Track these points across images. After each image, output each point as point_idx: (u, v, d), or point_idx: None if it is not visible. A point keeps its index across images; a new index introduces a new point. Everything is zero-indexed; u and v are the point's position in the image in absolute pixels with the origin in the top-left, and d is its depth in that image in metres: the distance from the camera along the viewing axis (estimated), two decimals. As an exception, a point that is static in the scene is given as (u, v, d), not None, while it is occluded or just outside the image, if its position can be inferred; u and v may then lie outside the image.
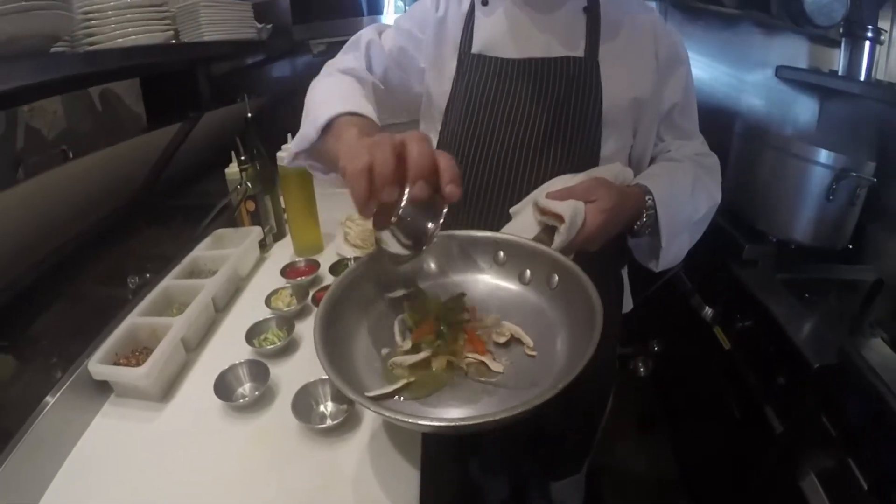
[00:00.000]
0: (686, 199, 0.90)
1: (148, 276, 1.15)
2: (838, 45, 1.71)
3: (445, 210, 0.61)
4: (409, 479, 0.71)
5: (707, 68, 1.85)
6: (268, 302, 1.10)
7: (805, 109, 1.84)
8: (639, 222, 0.85)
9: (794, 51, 1.80)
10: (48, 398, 0.78)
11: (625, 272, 1.14)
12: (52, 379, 0.83)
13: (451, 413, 0.62)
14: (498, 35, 0.94)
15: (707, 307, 1.54)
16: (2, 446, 0.69)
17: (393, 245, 0.61)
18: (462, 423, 0.58)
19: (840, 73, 1.71)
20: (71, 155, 1.03)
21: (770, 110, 1.85)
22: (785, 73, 1.80)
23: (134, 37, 1.12)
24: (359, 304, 0.75)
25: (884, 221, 1.47)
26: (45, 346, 0.95)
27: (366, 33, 1.00)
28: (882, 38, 1.59)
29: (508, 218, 0.85)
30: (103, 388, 0.89)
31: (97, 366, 0.85)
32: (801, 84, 1.82)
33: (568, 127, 0.90)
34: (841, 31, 1.63)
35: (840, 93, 1.72)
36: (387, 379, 0.66)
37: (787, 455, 1.18)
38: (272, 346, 0.97)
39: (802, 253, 1.45)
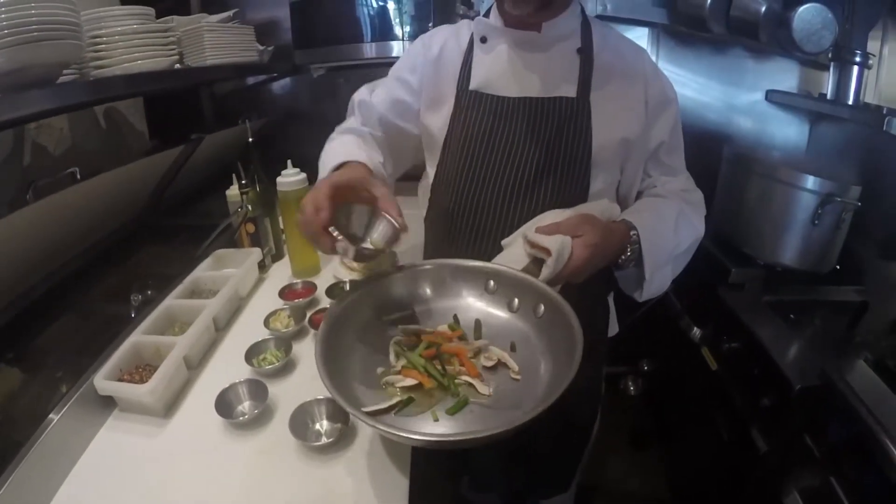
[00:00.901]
0: (669, 233, 0.95)
1: (150, 293, 1.21)
2: (828, 68, 1.78)
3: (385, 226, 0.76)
4: (400, 494, 0.76)
5: (698, 92, 1.92)
6: (266, 323, 1.15)
7: (795, 133, 1.91)
8: (623, 256, 0.91)
9: (784, 74, 1.86)
10: (55, 411, 0.84)
11: (611, 298, 1.19)
12: (59, 392, 0.88)
13: (439, 429, 0.68)
14: (495, 73, 1.00)
15: (696, 328, 1.59)
16: (10, 457, 0.74)
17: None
18: (446, 438, 0.65)
19: (829, 97, 1.77)
20: (79, 177, 1.09)
21: (760, 134, 1.91)
22: (775, 98, 1.87)
23: (140, 62, 1.18)
24: (357, 325, 0.81)
25: (870, 243, 1.52)
26: (52, 360, 1.00)
27: (358, 94, 1.11)
28: (870, 62, 1.65)
29: (501, 248, 0.91)
30: (108, 403, 0.94)
31: (103, 381, 0.90)
32: (791, 107, 1.89)
33: (559, 164, 0.96)
34: (830, 55, 1.69)
35: (829, 116, 1.78)
36: (381, 396, 0.71)
37: (771, 474, 1.22)
38: (270, 367, 1.02)
39: (789, 276, 1.50)
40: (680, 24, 1.77)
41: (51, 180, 1.03)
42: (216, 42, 1.43)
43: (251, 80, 2.05)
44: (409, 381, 0.73)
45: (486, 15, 1.03)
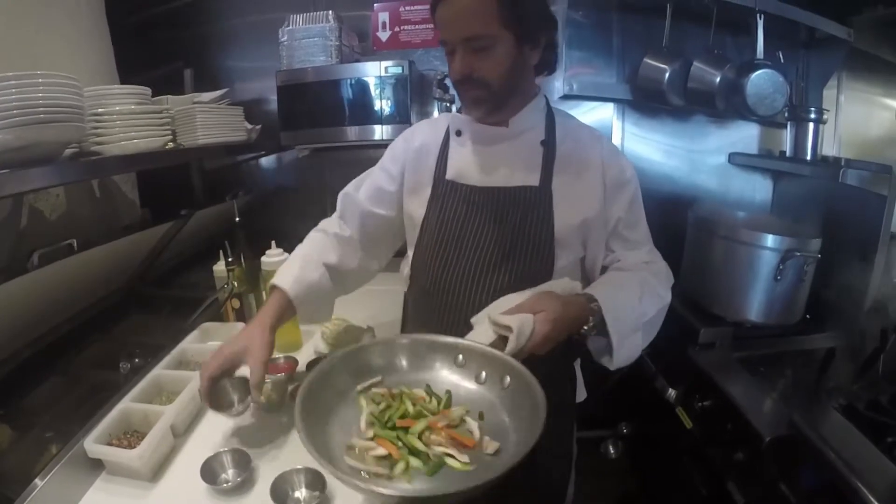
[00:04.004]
0: (633, 302, 1.05)
1: (138, 361, 1.31)
2: (785, 126, 1.95)
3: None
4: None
5: (664, 158, 2.09)
6: None
7: (760, 191, 2.08)
8: (586, 326, 1.00)
9: (745, 136, 2.06)
10: (45, 471, 0.92)
11: (577, 366, 1.30)
12: (48, 453, 0.98)
13: (413, 487, 0.76)
14: (467, 164, 1.15)
15: (670, 389, 1.66)
16: None
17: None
18: (421, 495, 0.74)
19: (788, 154, 1.93)
20: (76, 247, 1.21)
21: (726, 195, 2.08)
22: (737, 160, 2.05)
23: (136, 140, 1.30)
24: (335, 391, 0.92)
25: (835, 291, 1.64)
26: (41, 421, 1.09)
27: (348, 187, 1.28)
28: (825, 116, 1.82)
29: (471, 325, 1.01)
30: (96, 466, 1.02)
31: (93, 445, 0.99)
32: (753, 168, 2.06)
33: (524, 247, 1.09)
34: (786, 115, 1.87)
35: (790, 174, 1.94)
36: (356, 459, 0.79)
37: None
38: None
39: (758, 331, 1.61)
40: (643, 99, 1.96)
41: (50, 249, 1.15)
42: (207, 122, 1.59)
43: (240, 157, 2.22)
44: (381, 451, 0.80)
45: (461, 111, 1.19)
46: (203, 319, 1.51)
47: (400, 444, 0.81)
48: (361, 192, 1.25)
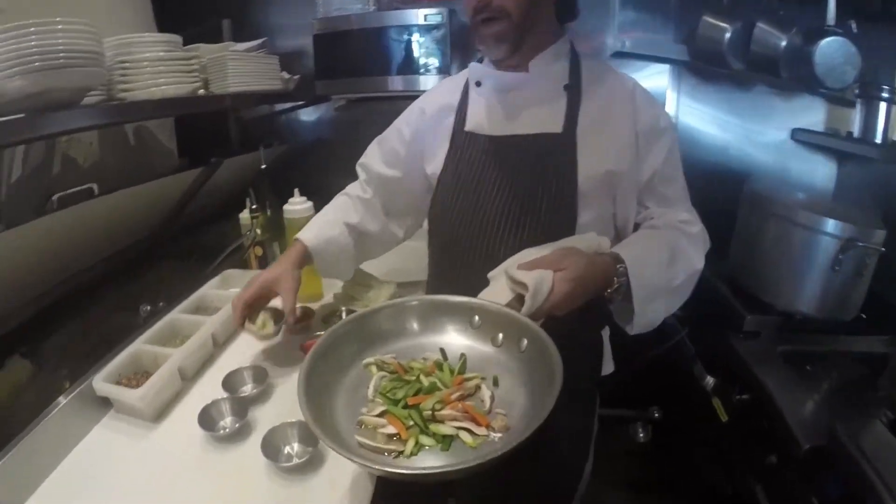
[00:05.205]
0: (661, 265, 0.99)
1: (160, 305, 1.35)
2: (854, 105, 1.75)
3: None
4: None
5: (720, 130, 1.94)
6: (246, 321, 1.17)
7: (822, 173, 1.90)
8: (610, 289, 0.95)
9: (810, 112, 1.87)
10: (54, 405, 0.97)
11: (605, 334, 1.23)
12: (61, 388, 1.02)
13: (415, 463, 0.73)
14: (487, 114, 1.11)
15: (708, 377, 1.58)
16: (6, 441, 0.87)
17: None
18: (419, 471, 0.70)
19: (856, 135, 1.75)
20: (96, 192, 1.24)
21: (784, 174, 1.91)
22: (800, 136, 1.87)
23: (165, 87, 1.32)
24: (342, 360, 0.89)
25: (896, 290, 1.49)
26: (59, 359, 1.15)
27: (364, 155, 1.31)
28: None
29: (487, 282, 0.97)
30: (105, 404, 1.06)
31: (101, 383, 1.03)
32: (817, 147, 1.88)
33: (544, 198, 1.04)
34: (856, 91, 1.69)
35: (856, 156, 1.77)
36: (366, 435, 0.76)
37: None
38: (250, 392, 1.11)
39: (808, 324, 1.48)
40: (700, 61, 1.81)
41: (69, 192, 1.19)
42: (239, 70, 1.58)
43: (278, 108, 2.23)
44: (391, 429, 0.77)
45: (481, 60, 1.15)
46: (226, 267, 1.54)
47: (411, 422, 0.78)
48: (377, 157, 1.27)
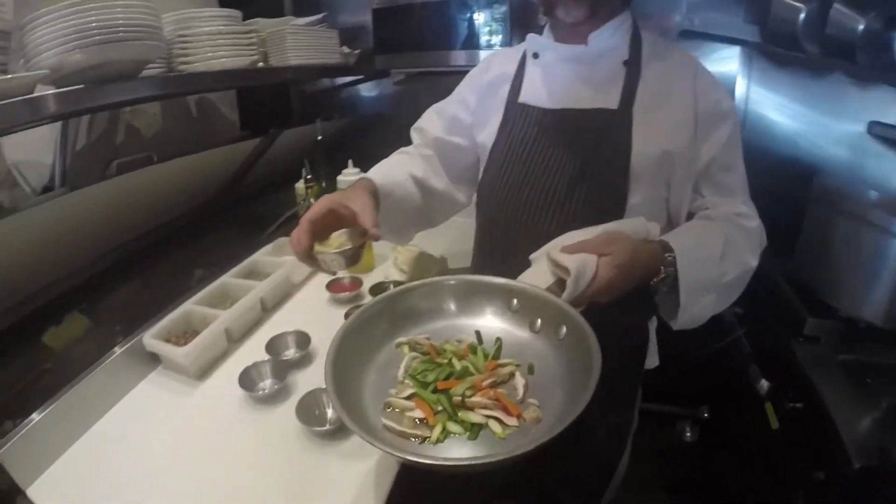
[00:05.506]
0: (713, 259, 0.94)
1: (213, 270, 1.41)
2: None
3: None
4: (382, 484, 0.85)
5: (791, 120, 1.81)
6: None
7: (901, 171, 1.74)
8: (656, 278, 0.90)
9: (889, 104, 1.69)
10: (105, 357, 1.04)
11: (652, 326, 1.19)
12: (114, 343, 1.09)
13: (440, 452, 0.71)
14: (542, 86, 1.09)
15: (763, 380, 1.50)
16: (59, 388, 0.95)
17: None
18: (425, 461, 0.65)
19: None
20: (155, 159, 1.30)
21: (858, 170, 1.75)
22: (878, 130, 1.70)
23: (224, 59, 1.37)
24: (375, 338, 0.87)
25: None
26: (115, 315, 1.23)
27: (420, 120, 1.26)
28: None
29: (529, 263, 0.94)
30: (153, 359, 1.13)
31: (150, 339, 1.10)
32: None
33: (594, 175, 1.00)
34: None
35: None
36: (392, 418, 0.75)
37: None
38: (292, 356, 1.15)
39: (874, 333, 1.38)
40: (773, 43, 1.69)
41: (127, 160, 1.25)
42: (298, 43, 1.61)
43: (339, 83, 2.26)
44: (419, 414, 0.75)
45: (540, 32, 1.12)
46: (280, 234, 1.58)
47: (440, 407, 0.76)
48: (437, 123, 1.22)
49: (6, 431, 0.87)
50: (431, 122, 1.23)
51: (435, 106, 1.26)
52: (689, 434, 1.96)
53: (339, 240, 0.92)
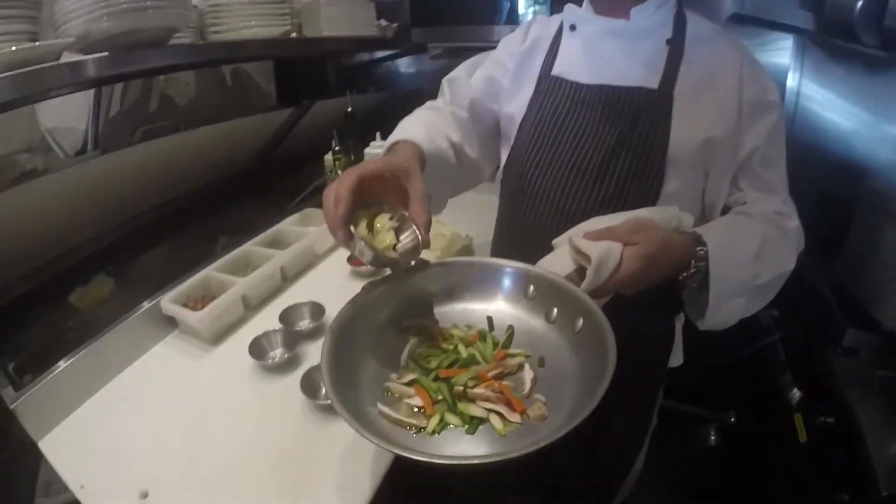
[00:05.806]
0: (748, 258, 0.88)
1: (238, 238, 1.42)
2: None
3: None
4: (379, 470, 0.84)
5: (843, 118, 1.69)
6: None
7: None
8: (685, 273, 0.85)
9: None
10: (124, 318, 1.07)
11: (679, 323, 1.14)
12: (135, 304, 1.11)
13: (441, 447, 0.66)
14: (578, 60, 1.03)
15: (795, 389, 1.43)
16: (78, 344, 0.97)
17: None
18: (414, 456, 0.60)
19: None
20: (183, 127, 1.31)
21: None
22: None
23: (256, 28, 1.35)
24: (379, 321, 0.81)
25: None
26: (139, 279, 1.26)
27: (455, 72, 1.17)
28: None
29: (551, 247, 0.88)
30: (171, 323, 1.15)
31: (167, 304, 1.12)
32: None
33: (628, 157, 0.94)
34: None
35: None
36: (389, 404, 0.71)
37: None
38: (305, 327, 1.16)
39: (918, 351, 1.30)
40: (827, 33, 1.57)
41: (151, 127, 1.26)
42: (332, 14, 1.58)
43: (377, 56, 2.24)
44: (417, 401, 0.71)
45: (580, 4, 1.06)
46: (307, 205, 1.58)
47: (440, 396, 0.71)
48: (476, 81, 1.14)
49: (25, 384, 0.90)
50: (469, 80, 1.14)
51: (470, 61, 1.19)
52: (713, 438, 1.89)
53: (386, 225, 0.75)
